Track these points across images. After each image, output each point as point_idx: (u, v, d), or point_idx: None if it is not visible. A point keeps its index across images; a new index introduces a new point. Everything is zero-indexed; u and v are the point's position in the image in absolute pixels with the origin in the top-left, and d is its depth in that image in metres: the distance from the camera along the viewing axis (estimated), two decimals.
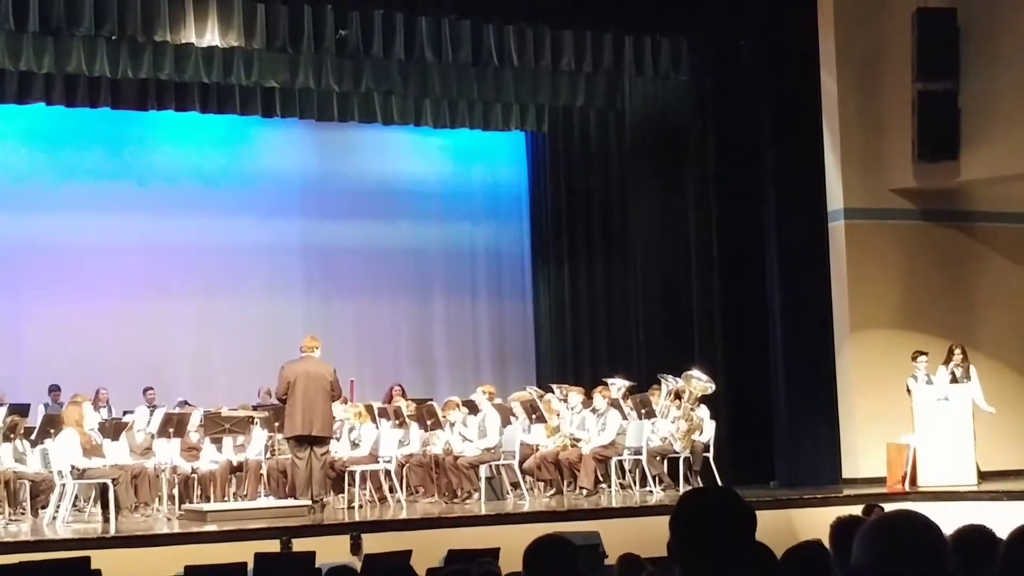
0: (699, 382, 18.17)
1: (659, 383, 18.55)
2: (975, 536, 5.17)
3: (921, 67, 18.21)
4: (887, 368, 18.21)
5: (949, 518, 4.70)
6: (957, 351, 17.72)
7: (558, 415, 18.39)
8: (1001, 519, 5.39)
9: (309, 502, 15.37)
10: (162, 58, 18.80)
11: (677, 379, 18.35)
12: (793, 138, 18.84)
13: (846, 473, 18.17)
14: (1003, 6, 18.18)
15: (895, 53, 18.54)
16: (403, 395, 19.66)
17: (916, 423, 17.29)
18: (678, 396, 18.29)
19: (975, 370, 17.70)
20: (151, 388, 19.54)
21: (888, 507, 10.41)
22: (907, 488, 16.95)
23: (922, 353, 17.64)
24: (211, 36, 17.95)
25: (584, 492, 17.17)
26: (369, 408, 17.88)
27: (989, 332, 18.98)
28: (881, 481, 17.43)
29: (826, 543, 5.90)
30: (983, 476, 17.37)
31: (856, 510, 10.52)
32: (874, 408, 18.20)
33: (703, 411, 18.28)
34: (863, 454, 18.12)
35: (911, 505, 13.66)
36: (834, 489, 17.32)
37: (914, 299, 18.94)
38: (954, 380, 17.51)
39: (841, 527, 5.85)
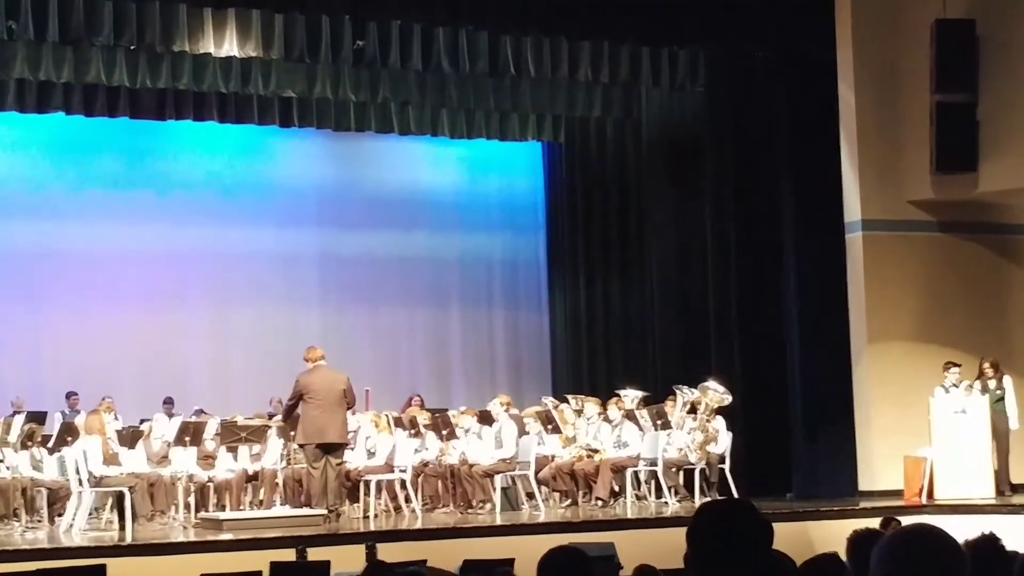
0: (715, 393, 18.13)
1: (674, 394, 18.53)
2: (984, 546, 5.16)
3: (939, 78, 18.14)
4: (905, 380, 18.16)
5: (967, 531, 4.69)
6: (987, 365, 17.65)
7: (574, 425, 18.38)
8: (1019, 532, 5.37)
9: (325, 511, 15.38)
10: (180, 68, 18.86)
11: (692, 390, 18.32)
12: (811, 149, 18.83)
13: (863, 485, 18.14)
14: (1022, 17, 18.13)
15: (913, 64, 18.49)
16: (422, 406, 19.66)
17: (933, 436, 17.25)
18: (694, 408, 18.27)
19: (1010, 382, 17.66)
20: (170, 400, 19.49)
21: (905, 520, 10.40)
22: (924, 501, 16.90)
23: (954, 364, 17.56)
24: (229, 46, 18.00)
25: (600, 503, 17.15)
26: (385, 417, 17.89)
27: (1008, 343, 18.90)
28: (898, 494, 17.37)
29: (843, 556, 5.89)
30: (1014, 488, 17.38)
31: (873, 523, 10.50)
32: (891, 420, 18.15)
33: (719, 422, 18.25)
34: (880, 466, 18.06)
35: (928, 518, 13.65)
36: (851, 501, 17.28)
37: (932, 311, 18.87)
38: (985, 391, 17.46)
39: (858, 541, 5.84)
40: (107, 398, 18.59)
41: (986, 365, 17.66)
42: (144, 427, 17.44)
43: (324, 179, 23.01)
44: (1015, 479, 17.62)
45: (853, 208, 18.75)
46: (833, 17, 18.75)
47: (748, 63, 19.69)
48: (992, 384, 17.55)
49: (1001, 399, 17.51)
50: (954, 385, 17.44)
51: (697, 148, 20.83)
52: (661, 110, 21.90)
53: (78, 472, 15.43)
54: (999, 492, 17.10)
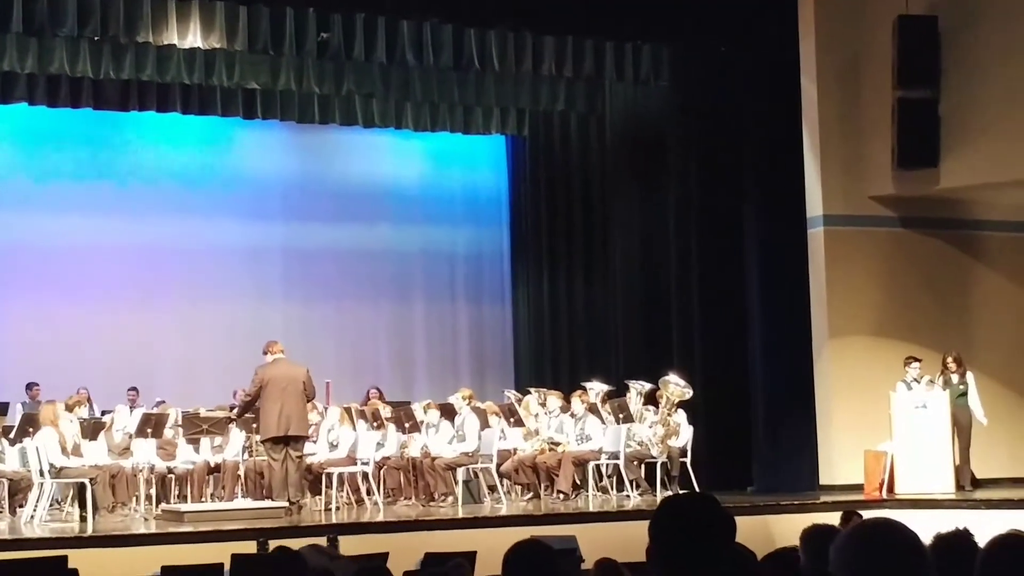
0: (676, 387, 18.17)
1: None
2: (956, 541, 5.17)
3: (902, 74, 18.20)
4: (865, 375, 18.23)
5: (926, 526, 4.71)
6: (951, 360, 17.71)
7: (536, 418, 18.40)
8: (979, 527, 5.40)
9: (286, 504, 15.35)
10: (144, 59, 18.80)
11: (646, 384, 18.40)
12: (773, 144, 18.88)
13: (823, 480, 18.18)
14: (984, 14, 18.20)
15: (876, 60, 18.55)
16: (381, 398, 19.65)
17: (894, 430, 17.32)
18: (653, 400, 18.32)
19: (972, 377, 17.74)
20: (134, 388, 19.44)
21: (866, 514, 10.44)
22: (884, 495, 16.97)
23: (915, 359, 17.64)
24: (193, 38, 17.94)
25: (561, 496, 17.16)
26: (348, 410, 17.88)
27: (969, 339, 18.98)
28: (859, 488, 17.44)
29: None
30: (976, 483, 17.47)
31: (833, 517, 10.55)
32: (852, 415, 18.20)
33: (680, 416, 18.30)
34: (841, 461, 18.12)
35: (888, 512, 13.71)
36: (811, 496, 17.32)
37: (893, 306, 18.95)
38: (947, 385, 17.53)
39: (811, 536, 5.85)
40: (82, 389, 18.54)
41: (950, 360, 17.72)
42: (106, 419, 17.41)
43: (288, 171, 22.97)
44: (977, 474, 17.71)
45: (815, 203, 18.80)
46: (796, 12, 18.80)
47: (712, 58, 19.70)
48: (955, 379, 17.62)
49: (964, 394, 17.58)
50: (915, 380, 17.52)
51: (661, 143, 20.87)
52: (625, 105, 21.93)
53: (40, 463, 15.38)
54: (959, 487, 17.19)
